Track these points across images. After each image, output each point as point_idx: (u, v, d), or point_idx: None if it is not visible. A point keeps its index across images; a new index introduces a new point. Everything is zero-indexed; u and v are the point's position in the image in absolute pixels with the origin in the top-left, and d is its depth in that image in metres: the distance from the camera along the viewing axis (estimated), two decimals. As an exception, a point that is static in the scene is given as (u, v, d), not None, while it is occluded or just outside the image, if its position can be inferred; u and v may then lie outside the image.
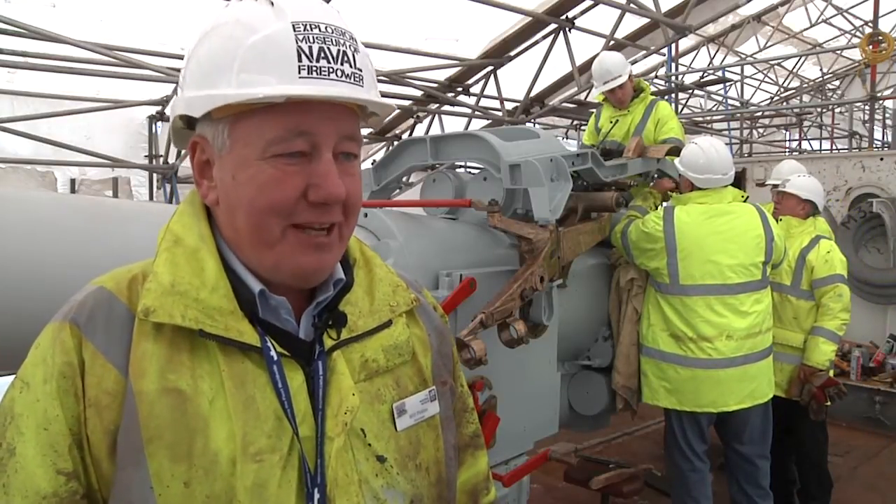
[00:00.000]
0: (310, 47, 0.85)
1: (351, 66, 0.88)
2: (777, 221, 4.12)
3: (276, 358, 0.89)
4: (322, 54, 0.86)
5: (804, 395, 3.95)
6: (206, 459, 0.84)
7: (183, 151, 7.62)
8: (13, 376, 0.90)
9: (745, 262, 3.48)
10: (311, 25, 0.86)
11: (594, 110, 4.86)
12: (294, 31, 0.86)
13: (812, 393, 3.92)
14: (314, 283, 0.94)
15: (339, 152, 0.90)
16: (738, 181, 7.15)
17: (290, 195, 0.87)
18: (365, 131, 9.37)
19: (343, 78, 0.87)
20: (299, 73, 0.85)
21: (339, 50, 0.87)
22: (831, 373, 4.04)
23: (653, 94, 4.91)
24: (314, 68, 0.85)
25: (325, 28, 0.87)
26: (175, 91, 7.42)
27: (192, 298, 0.87)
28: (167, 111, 7.64)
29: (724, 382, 3.44)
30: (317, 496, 0.87)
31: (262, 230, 0.88)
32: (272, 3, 0.88)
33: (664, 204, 3.74)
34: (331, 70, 0.86)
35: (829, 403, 3.94)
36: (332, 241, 0.91)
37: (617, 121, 4.47)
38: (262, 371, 0.88)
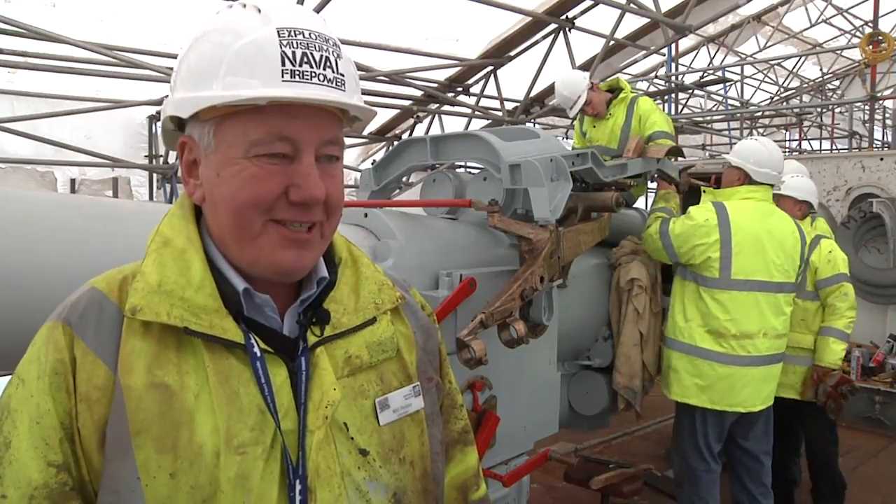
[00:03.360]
0: (293, 52, 0.89)
1: (333, 72, 0.91)
2: None
3: (259, 354, 0.91)
4: (305, 59, 0.89)
5: (820, 396, 3.94)
6: (191, 451, 0.87)
7: (183, 151, 7.61)
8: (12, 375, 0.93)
9: (787, 263, 3.53)
10: (295, 31, 0.89)
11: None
12: (279, 36, 0.89)
13: (828, 393, 3.91)
14: (294, 279, 0.97)
15: (320, 154, 0.92)
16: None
17: (271, 192, 0.90)
18: (365, 131, 9.37)
19: (325, 82, 0.90)
20: (282, 76, 0.88)
21: (321, 55, 0.90)
22: (842, 370, 4.04)
23: (653, 94, 4.90)
24: (297, 72, 0.88)
25: (310, 34, 0.90)
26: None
27: (178, 297, 0.90)
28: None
29: (755, 381, 3.47)
30: (298, 487, 0.90)
31: (243, 224, 0.91)
32: (259, 10, 0.91)
33: (710, 201, 3.66)
34: (313, 74, 0.89)
35: (842, 401, 3.93)
36: (313, 238, 0.94)
37: (595, 125, 4.46)
38: (245, 367, 0.91)
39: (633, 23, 8.49)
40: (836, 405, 3.92)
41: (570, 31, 8.00)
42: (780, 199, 4.21)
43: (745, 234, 3.44)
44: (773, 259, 3.48)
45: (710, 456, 3.56)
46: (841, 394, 3.90)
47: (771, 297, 3.48)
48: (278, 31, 0.89)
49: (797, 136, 15.14)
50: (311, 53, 0.89)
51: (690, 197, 4.24)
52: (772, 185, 3.68)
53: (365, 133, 9.68)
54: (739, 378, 3.43)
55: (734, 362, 3.42)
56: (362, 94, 1.00)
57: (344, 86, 0.92)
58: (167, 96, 0.99)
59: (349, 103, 0.92)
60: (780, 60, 13.44)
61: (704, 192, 3.82)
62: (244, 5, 0.93)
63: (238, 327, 0.92)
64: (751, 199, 3.57)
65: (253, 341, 0.92)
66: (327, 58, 0.90)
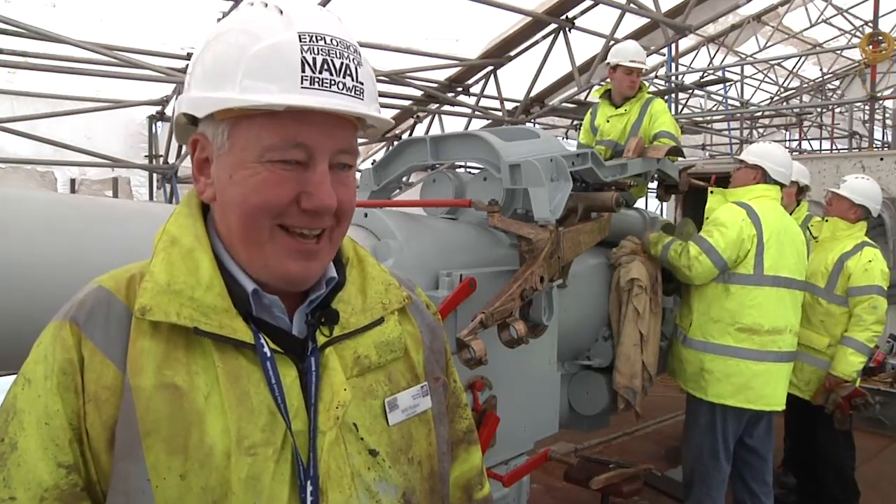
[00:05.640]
0: (314, 59, 0.87)
1: (353, 80, 0.90)
2: (825, 221, 4.13)
3: (269, 354, 0.91)
4: (325, 66, 0.88)
5: (829, 405, 3.90)
6: (202, 452, 0.86)
7: (183, 151, 7.65)
8: (13, 376, 0.92)
9: (800, 262, 3.60)
10: (317, 37, 0.88)
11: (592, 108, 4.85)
12: (300, 41, 0.87)
13: (837, 403, 3.87)
14: (302, 289, 0.96)
15: (334, 163, 0.92)
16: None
17: (283, 198, 0.89)
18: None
19: (344, 90, 0.89)
20: (301, 83, 0.86)
21: (342, 63, 0.89)
22: (858, 382, 3.98)
23: (653, 93, 4.91)
24: (316, 79, 0.87)
25: (331, 40, 0.89)
26: (176, 91, 7.45)
27: (187, 297, 0.89)
28: (168, 110, 7.64)
29: (783, 378, 3.52)
30: (309, 488, 0.89)
31: (252, 228, 0.90)
32: (281, 11, 0.89)
33: (733, 203, 3.65)
34: (332, 82, 0.88)
35: (852, 413, 3.90)
36: (322, 248, 0.94)
37: (609, 120, 4.47)
38: (255, 367, 0.90)
39: (633, 23, 8.48)
40: (844, 416, 3.88)
41: (570, 31, 8.00)
42: (835, 198, 4.14)
43: (771, 230, 3.49)
44: (791, 257, 3.54)
45: (726, 455, 3.57)
46: (853, 406, 3.86)
47: (792, 294, 3.54)
48: (300, 36, 0.87)
49: (797, 136, 15.13)
50: (332, 60, 0.88)
51: (691, 197, 4.24)
52: (782, 186, 3.72)
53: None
54: (773, 374, 3.47)
55: (767, 358, 3.46)
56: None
57: (363, 94, 0.91)
58: (168, 96, 0.98)
59: (367, 114, 0.91)
60: (780, 60, 13.45)
61: (712, 192, 3.79)
62: (265, 4, 0.91)
63: (248, 327, 0.91)
64: (765, 198, 3.60)
65: (263, 341, 0.91)
66: (347, 65, 0.89)
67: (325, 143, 0.90)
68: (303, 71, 0.86)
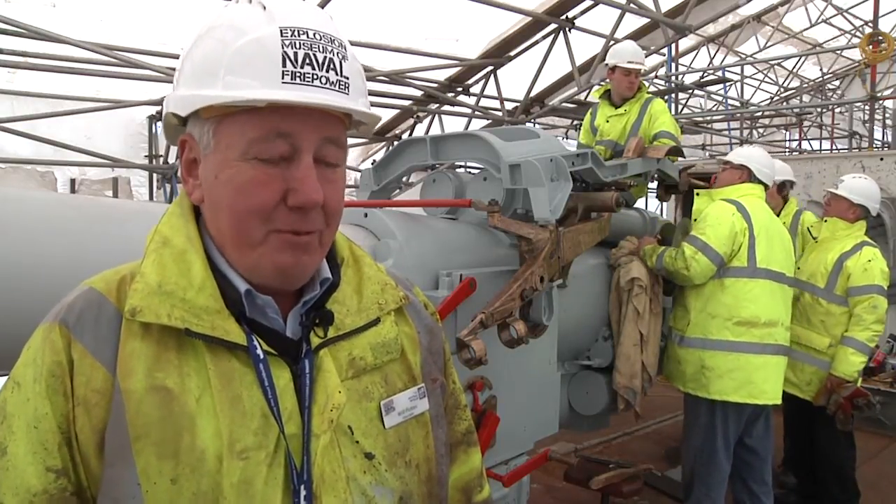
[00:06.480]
0: (295, 53, 0.86)
1: (337, 74, 0.88)
2: (824, 222, 4.16)
3: (262, 356, 0.89)
4: (307, 60, 0.86)
5: (831, 406, 3.91)
6: (193, 457, 0.84)
7: (183, 151, 7.65)
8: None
9: (789, 259, 3.65)
10: (299, 31, 0.87)
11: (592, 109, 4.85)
12: (281, 35, 0.86)
13: (839, 403, 3.87)
14: (294, 285, 0.95)
15: (320, 158, 0.90)
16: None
17: (270, 199, 0.87)
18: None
19: (327, 85, 0.87)
20: (282, 78, 0.85)
21: (325, 57, 0.87)
22: (859, 382, 3.99)
23: (653, 93, 4.91)
24: (297, 74, 0.85)
25: (314, 34, 0.87)
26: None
27: (179, 298, 0.88)
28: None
29: (781, 372, 3.55)
30: (303, 493, 0.88)
31: (243, 232, 0.89)
32: (264, 7, 0.88)
33: (722, 200, 3.68)
34: (315, 77, 0.86)
35: (854, 413, 3.91)
36: (312, 243, 0.92)
37: (608, 120, 4.47)
38: (248, 369, 0.89)
39: (633, 23, 8.49)
40: (846, 417, 3.88)
41: (570, 31, 8.01)
42: (833, 199, 4.16)
43: (760, 225, 3.53)
44: (779, 252, 3.58)
45: (726, 455, 3.58)
46: (856, 406, 3.87)
47: (782, 289, 3.58)
48: (281, 31, 0.86)
49: (797, 136, 15.14)
50: (314, 54, 0.86)
51: (691, 197, 4.25)
52: (767, 187, 3.78)
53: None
54: (772, 367, 3.49)
55: (766, 351, 3.48)
56: (363, 94, 0.97)
57: (348, 89, 0.89)
58: (167, 96, 0.97)
59: (350, 108, 0.89)
60: (780, 60, 13.46)
61: (699, 194, 3.82)
62: (249, 1, 0.90)
63: (240, 329, 0.89)
64: (752, 196, 3.65)
65: (256, 343, 0.89)
66: (331, 59, 0.87)
67: (310, 134, 0.88)
68: (283, 66, 0.85)
